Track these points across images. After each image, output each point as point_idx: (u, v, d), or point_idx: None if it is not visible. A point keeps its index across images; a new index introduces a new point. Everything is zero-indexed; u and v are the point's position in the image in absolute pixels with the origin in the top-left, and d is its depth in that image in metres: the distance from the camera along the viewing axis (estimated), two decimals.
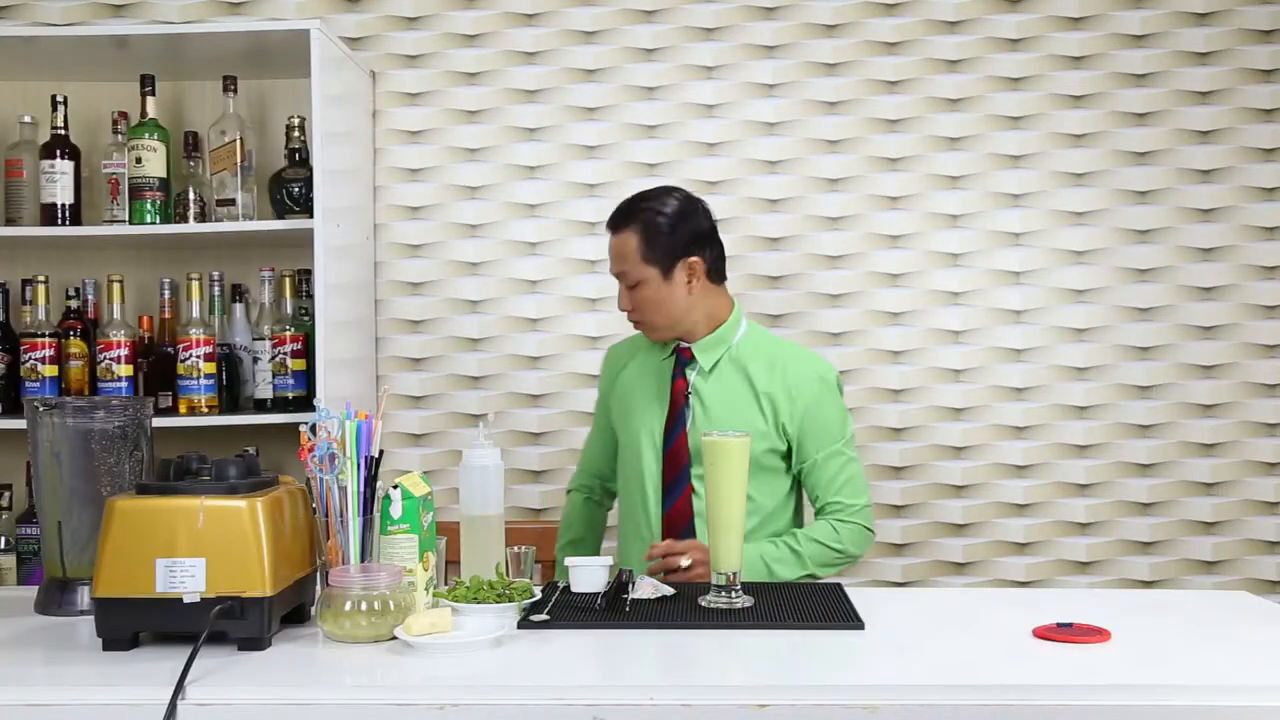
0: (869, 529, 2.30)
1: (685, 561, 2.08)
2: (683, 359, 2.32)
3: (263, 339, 2.77)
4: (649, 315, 2.28)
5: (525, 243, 3.02)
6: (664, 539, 2.25)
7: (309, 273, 2.80)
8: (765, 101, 3.00)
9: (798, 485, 2.34)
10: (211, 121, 2.83)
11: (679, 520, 2.28)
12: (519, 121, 3.03)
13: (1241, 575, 2.95)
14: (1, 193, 2.87)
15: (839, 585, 1.96)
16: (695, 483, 2.26)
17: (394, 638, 1.61)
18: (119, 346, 2.72)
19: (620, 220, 2.28)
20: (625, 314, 2.32)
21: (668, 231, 2.24)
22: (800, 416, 2.25)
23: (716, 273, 2.32)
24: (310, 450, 1.73)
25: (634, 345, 2.44)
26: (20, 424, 2.54)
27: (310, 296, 2.77)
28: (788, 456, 2.30)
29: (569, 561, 1.93)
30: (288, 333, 2.76)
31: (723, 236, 2.96)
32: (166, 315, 2.85)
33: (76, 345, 2.77)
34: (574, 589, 1.90)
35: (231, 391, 2.82)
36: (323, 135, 2.63)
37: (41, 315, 2.75)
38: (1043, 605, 1.88)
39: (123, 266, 2.94)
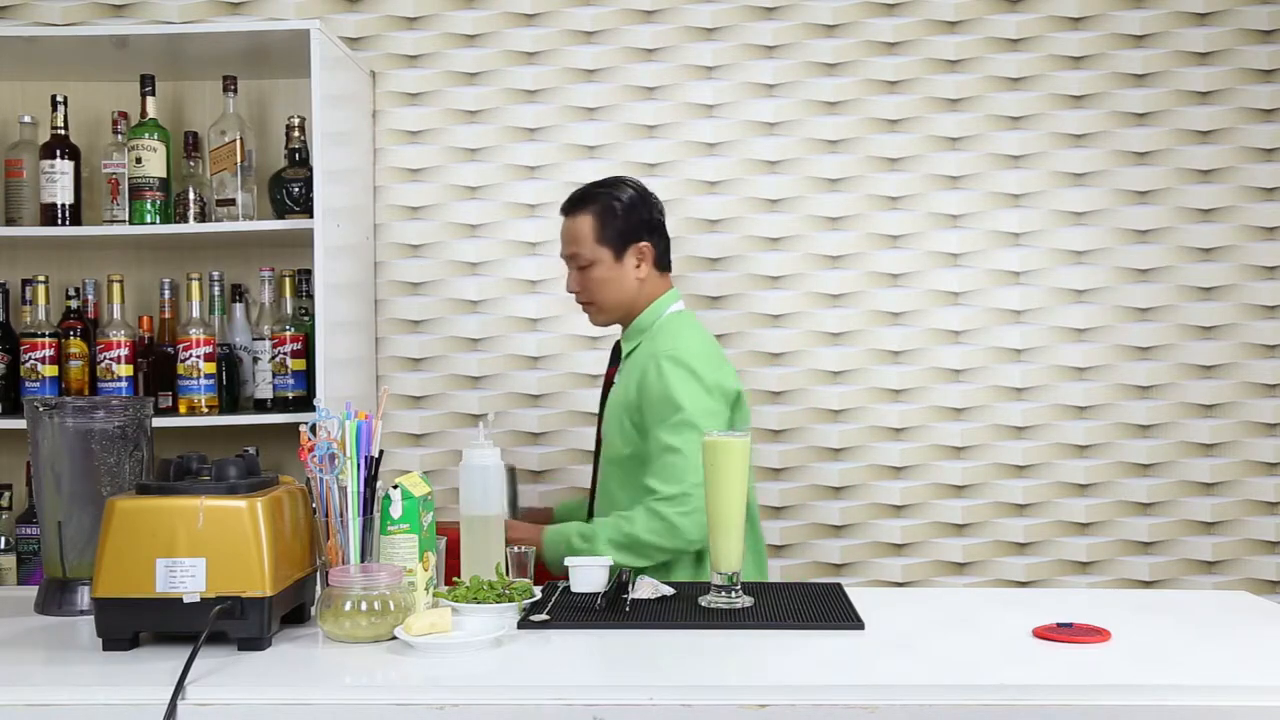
0: (671, 521, 2.15)
1: None
2: (616, 351, 2.47)
3: (263, 339, 2.77)
4: (598, 296, 2.38)
5: (525, 243, 3.02)
6: (590, 515, 2.43)
7: (309, 273, 2.81)
8: (765, 101, 3.00)
9: None
10: (211, 121, 2.83)
11: (591, 496, 2.45)
12: (519, 121, 3.03)
13: (1241, 575, 2.95)
14: (1, 193, 2.87)
15: (839, 585, 1.96)
16: (601, 462, 2.39)
17: (394, 638, 1.61)
18: (119, 346, 2.72)
19: (576, 204, 2.39)
20: (574, 296, 2.42)
21: (622, 215, 2.36)
22: (635, 392, 2.29)
23: (663, 262, 2.42)
24: (310, 450, 1.73)
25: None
26: (20, 424, 2.54)
27: (310, 296, 2.77)
28: (641, 436, 2.30)
29: (569, 561, 1.93)
30: (288, 333, 2.76)
31: (723, 236, 3.00)
32: (166, 315, 2.85)
33: (76, 345, 2.77)
34: (574, 589, 1.90)
35: (231, 391, 2.82)
36: (323, 135, 2.63)
37: (41, 315, 2.75)
38: (1043, 605, 1.88)
39: (123, 266, 2.94)
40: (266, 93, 3.00)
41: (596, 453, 2.47)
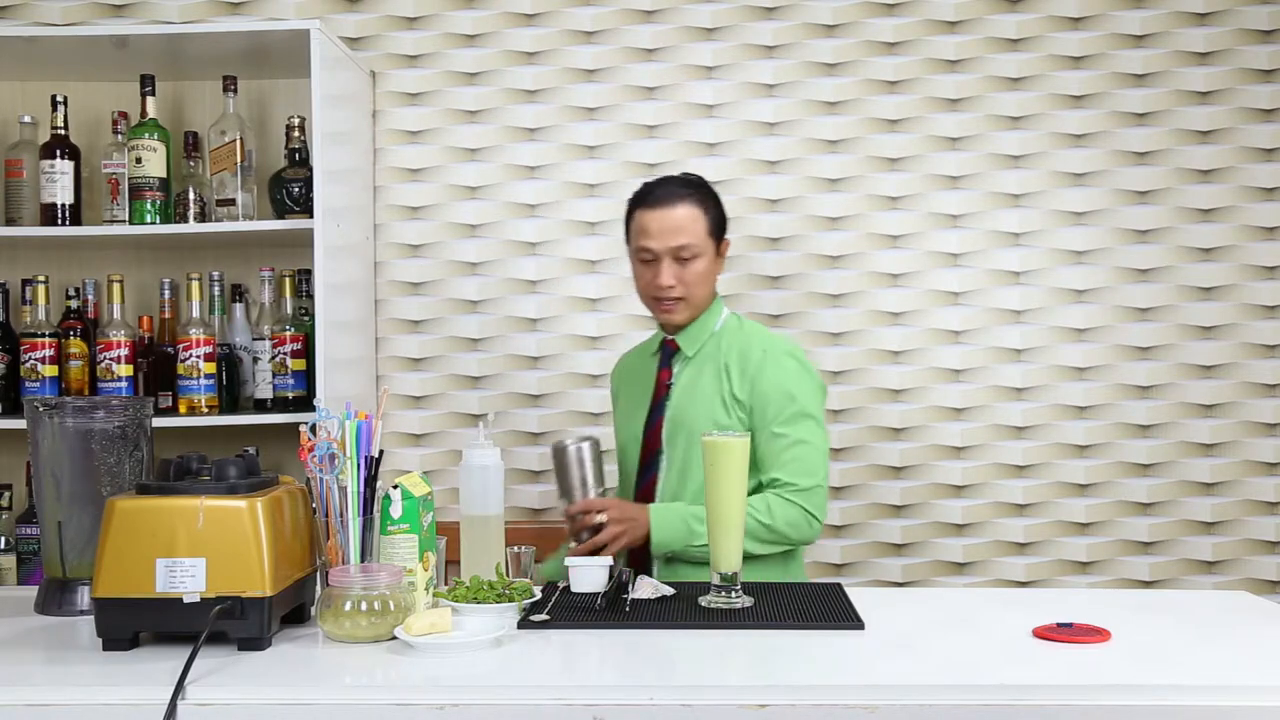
0: (811, 514, 2.20)
1: (601, 518, 2.13)
2: (669, 350, 2.37)
3: (263, 339, 2.77)
4: (694, 291, 2.29)
5: (525, 243, 3.02)
6: None
7: (309, 273, 2.81)
8: (765, 101, 3.00)
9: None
10: (211, 121, 2.83)
11: (645, 503, 2.31)
12: (519, 121, 3.03)
13: (1241, 575, 2.95)
14: (1, 193, 2.87)
15: (839, 585, 1.96)
16: (662, 468, 2.30)
17: (394, 638, 1.61)
18: (119, 346, 2.72)
19: (682, 194, 2.29)
20: (662, 292, 2.28)
21: (719, 209, 2.34)
22: (750, 387, 2.26)
23: None
24: (310, 450, 1.73)
25: (633, 356, 2.51)
26: (20, 424, 2.54)
27: (310, 296, 2.77)
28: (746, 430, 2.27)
29: (569, 561, 1.93)
30: (288, 333, 2.76)
31: None
32: (166, 315, 2.85)
33: (76, 345, 2.77)
34: (574, 589, 1.90)
35: (231, 391, 2.82)
36: (323, 135, 2.63)
37: (41, 315, 2.75)
38: (1043, 605, 1.88)
39: (123, 266, 2.94)
40: (266, 93, 3.00)
41: (645, 460, 2.33)
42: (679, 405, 2.31)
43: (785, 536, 2.20)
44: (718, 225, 2.32)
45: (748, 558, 2.13)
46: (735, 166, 3.00)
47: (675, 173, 2.41)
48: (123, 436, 1.88)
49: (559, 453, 2.23)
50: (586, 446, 2.22)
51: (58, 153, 2.76)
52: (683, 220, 2.27)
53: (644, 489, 2.34)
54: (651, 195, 2.31)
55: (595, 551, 2.14)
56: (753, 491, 2.23)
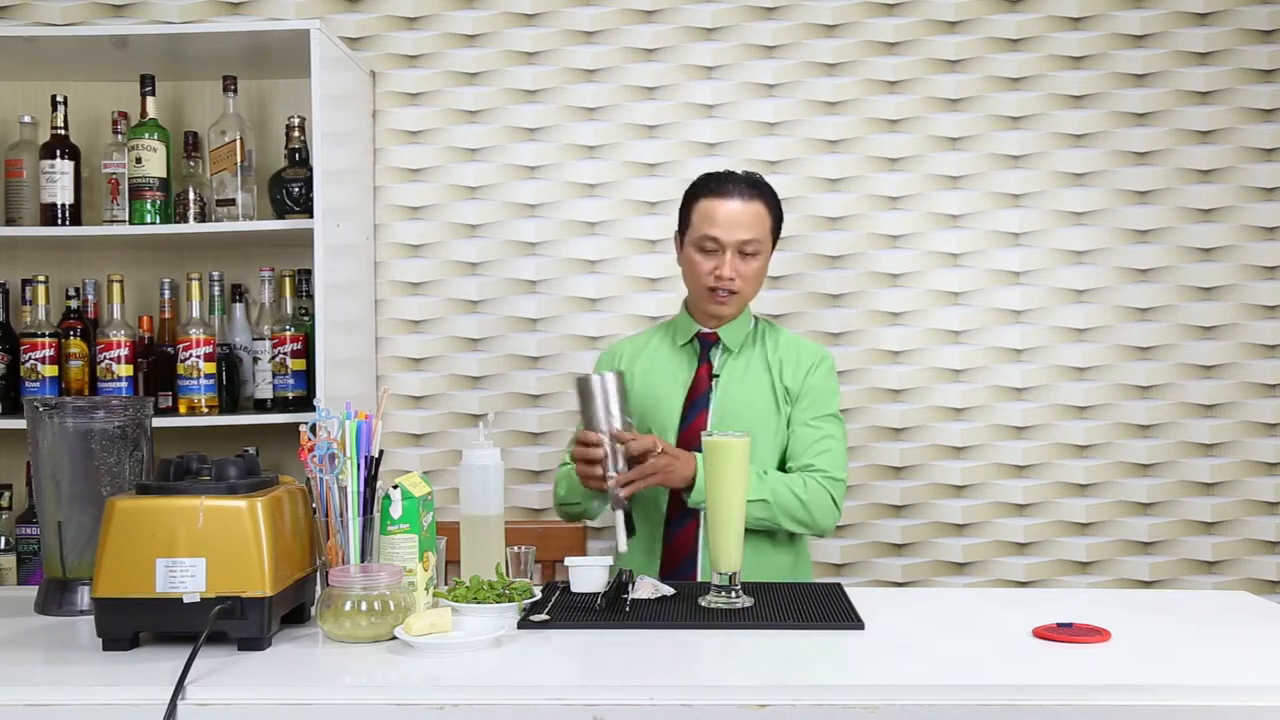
0: (836, 504, 2.26)
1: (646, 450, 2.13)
2: (706, 343, 2.37)
3: (263, 339, 2.77)
4: (748, 287, 2.33)
5: (525, 243, 3.02)
6: (666, 517, 2.30)
7: (309, 273, 2.81)
8: (765, 101, 3.00)
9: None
10: (211, 121, 2.83)
11: (680, 500, 2.28)
12: (519, 121, 3.03)
13: (1241, 575, 2.95)
14: (1, 193, 2.87)
15: (839, 585, 1.96)
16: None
17: (394, 638, 1.61)
18: (119, 346, 2.73)
19: (755, 190, 2.33)
20: (722, 283, 2.28)
21: (780, 212, 2.37)
22: (801, 380, 2.33)
23: None
24: (310, 450, 1.73)
25: (640, 341, 2.47)
26: (20, 424, 2.54)
27: (310, 296, 2.77)
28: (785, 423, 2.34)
29: (569, 561, 1.93)
30: (288, 333, 2.76)
31: None
32: (166, 315, 2.85)
33: (76, 345, 2.77)
34: (574, 589, 1.90)
35: (231, 391, 2.82)
36: (323, 135, 2.63)
37: (41, 315, 2.75)
38: (1043, 605, 1.88)
39: (123, 266, 2.94)
40: (266, 93, 3.01)
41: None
42: (726, 400, 2.32)
43: (811, 517, 2.23)
44: (777, 227, 2.36)
45: (767, 535, 2.22)
46: (735, 166, 2.98)
47: (736, 169, 2.39)
48: (123, 436, 1.88)
49: (583, 383, 2.18)
50: (611, 376, 2.18)
51: (58, 153, 2.76)
52: (752, 216, 2.30)
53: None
54: (723, 187, 2.32)
55: (629, 482, 2.14)
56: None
